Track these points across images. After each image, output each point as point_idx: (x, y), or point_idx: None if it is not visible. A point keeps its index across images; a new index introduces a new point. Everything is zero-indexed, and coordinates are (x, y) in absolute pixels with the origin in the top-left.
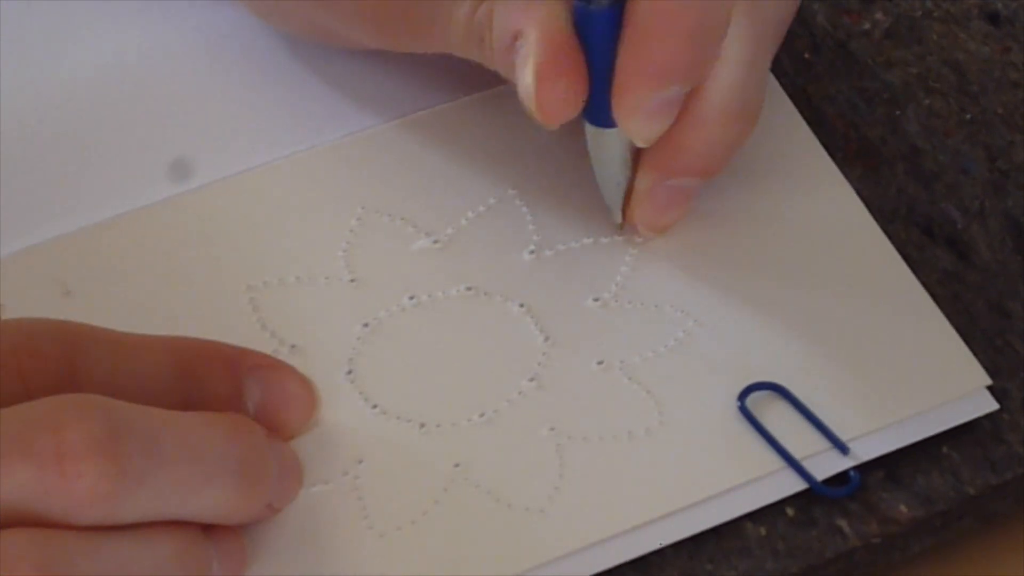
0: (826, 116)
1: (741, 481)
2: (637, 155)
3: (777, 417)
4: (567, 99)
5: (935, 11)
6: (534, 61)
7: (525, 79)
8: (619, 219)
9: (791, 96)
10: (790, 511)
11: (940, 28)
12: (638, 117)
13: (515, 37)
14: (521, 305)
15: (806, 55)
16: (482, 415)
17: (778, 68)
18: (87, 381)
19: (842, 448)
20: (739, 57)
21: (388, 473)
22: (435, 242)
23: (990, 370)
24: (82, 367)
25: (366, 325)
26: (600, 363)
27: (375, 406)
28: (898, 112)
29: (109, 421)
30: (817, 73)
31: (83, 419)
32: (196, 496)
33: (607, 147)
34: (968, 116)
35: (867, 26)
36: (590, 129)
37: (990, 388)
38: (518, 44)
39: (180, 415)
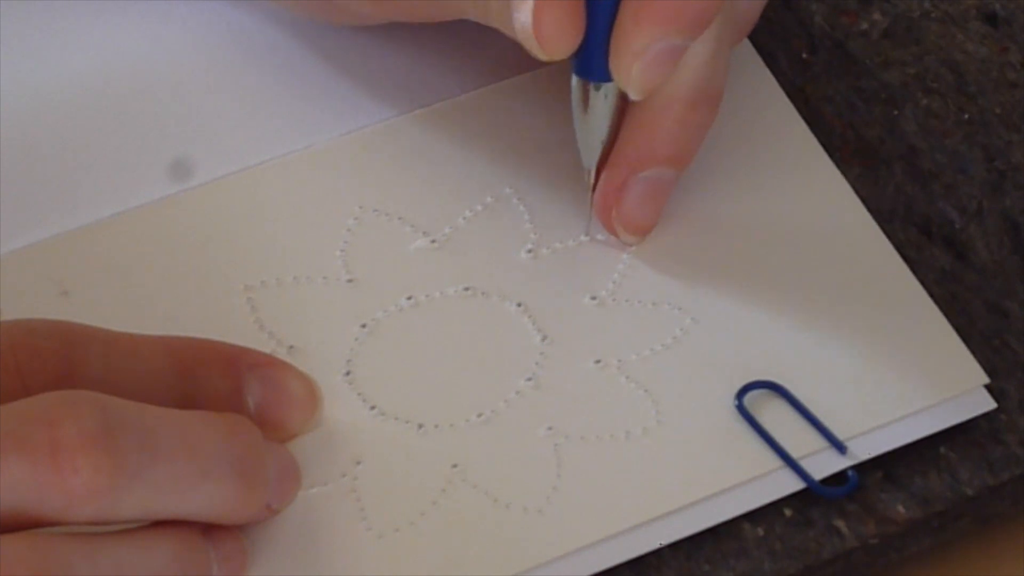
0: (824, 116)
1: (739, 481)
2: (620, 115)
3: (775, 416)
4: (565, 29)
5: (933, 11)
6: None
7: (522, 11)
8: (593, 181)
9: (788, 96)
10: (788, 511)
11: (938, 28)
12: (638, 64)
13: None
14: (518, 304)
15: (804, 55)
16: (480, 415)
17: (776, 68)
18: (85, 380)
19: (840, 447)
20: (705, 38)
21: (386, 474)
22: (432, 242)
23: (988, 371)
24: (80, 366)
25: (364, 326)
26: (597, 362)
27: (373, 407)
28: (896, 112)
29: (104, 416)
30: (815, 73)
31: (77, 414)
32: (193, 493)
33: (594, 103)
34: (966, 116)
35: (865, 26)
36: (578, 84)
37: (988, 388)
38: None
39: (176, 412)
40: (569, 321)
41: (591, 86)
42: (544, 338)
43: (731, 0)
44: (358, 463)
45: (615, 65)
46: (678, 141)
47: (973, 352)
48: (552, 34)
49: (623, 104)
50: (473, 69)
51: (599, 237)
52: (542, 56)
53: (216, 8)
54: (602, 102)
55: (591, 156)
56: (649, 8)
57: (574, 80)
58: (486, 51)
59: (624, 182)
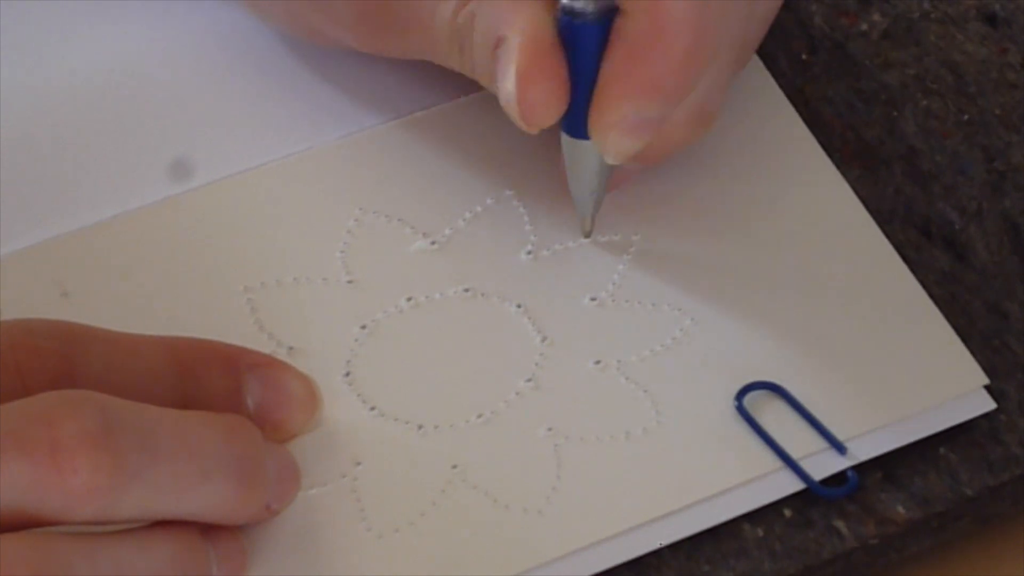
0: (824, 117)
1: (738, 481)
2: (611, 169)
3: (774, 417)
4: (548, 103)
5: (933, 12)
6: (516, 64)
7: (506, 83)
8: (588, 228)
9: (788, 97)
10: (787, 512)
11: (938, 29)
12: (614, 133)
13: (497, 43)
14: (518, 306)
15: (804, 56)
16: (480, 416)
17: (776, 69)
18: (85, 379)
19: (839, 448)
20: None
21: (386, 475)
22: (432, 243)
23: (987, 371)
24: (80, 365)
25: (364, 327)
26: (597, 363)
27: (373, 408)
28: (895, 113)
29: (103, 416)
30: (815, 74)
31: (76, 413)
32: (192, 493)
33: (582, 158)
34: (966, 117)
35: (864, 27)
36: (566, 139)
37: (988, 389)
38: (499, 51)
39: (175, 412)
40: (569, 322)
41: (578, 156)
42: (544, 339)
43: (733, 27)
44: (358, 464)
45: (593, 132)
46: (657, 152)
47: (973, 353)
48: (534, 107)
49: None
50: None
51: (600, 239)
52: (523, 127)
53: (216, 9)
54: (592, 157)
55: (584, 208)
56: (624, 80)
57: (563, 135)
58: None
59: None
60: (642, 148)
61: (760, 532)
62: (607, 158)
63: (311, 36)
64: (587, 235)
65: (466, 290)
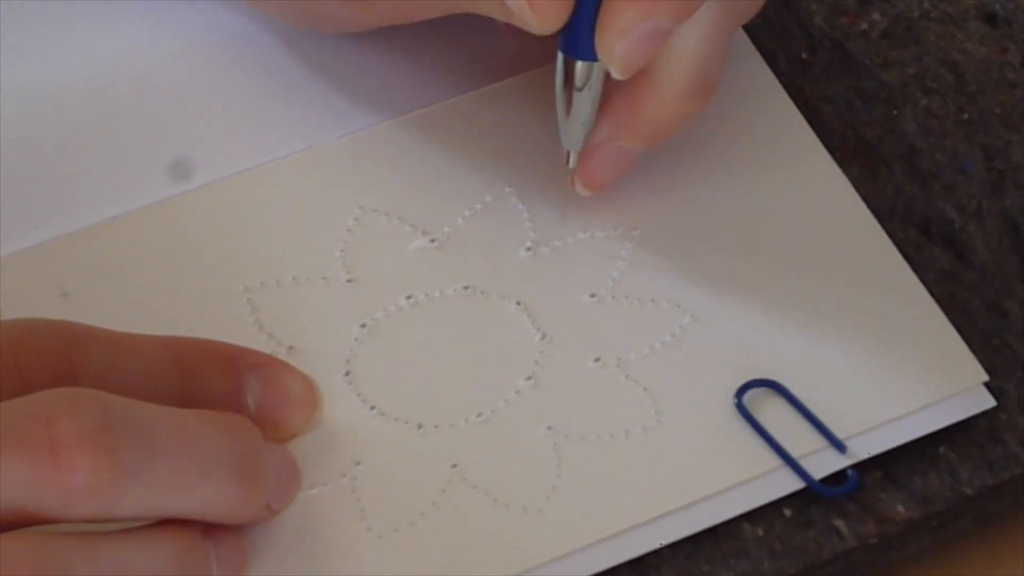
0: (823, 116)
1: (738, 480)
2: (602, 104)
3: (774, 414)
4: (557, 3)
5: (932, 12)
6: None
7: None
8: (574, 163)
9: (788, 96)
10: (787, 511)
11: (937, 28)
12: (623, 43)
13: None
14: (518, 303)
15: (803, 55)
16: (479, 415)
17: (775, 68)
18: (85, 379)
19: (839, 446)
20: (703, 29)
21: (386, 475)
22: (432, 241)
23: (987, 370)
24: (80, 364)
25: (363, 326)
26: (597, 360)
27: (373, 407)
28: (895, 112)
29: (103, 414)
30: (815, 73)
31: (75, 411)
32: (192, 492)
33: (577, 90)
34: (965, 116)
35: (864, 26)
36: (561, 69)
37: (988, 388)
38: None
39: (175, 411)
40: (568, 319)
41: (575, 77)
42: (543, 336)
43: None
44: (358, 463)
45: (600, 42)
46: (661, 125)
47: (973, 352)
48: (546, 5)
49: (606, 90)
50: (471, 71)
51: (599, 235)
52: (534, 26)
53: (216, 10)
54: (585, 91)
55: (572, 140)
56: None
57: (559, 63)
58: (483, 53)
59: (597, 145)
60: (647, 61)
61: (760, 531)
62: (613, 71)
63: (306, 19)
64: (571, 175)
65: (465, 288)
